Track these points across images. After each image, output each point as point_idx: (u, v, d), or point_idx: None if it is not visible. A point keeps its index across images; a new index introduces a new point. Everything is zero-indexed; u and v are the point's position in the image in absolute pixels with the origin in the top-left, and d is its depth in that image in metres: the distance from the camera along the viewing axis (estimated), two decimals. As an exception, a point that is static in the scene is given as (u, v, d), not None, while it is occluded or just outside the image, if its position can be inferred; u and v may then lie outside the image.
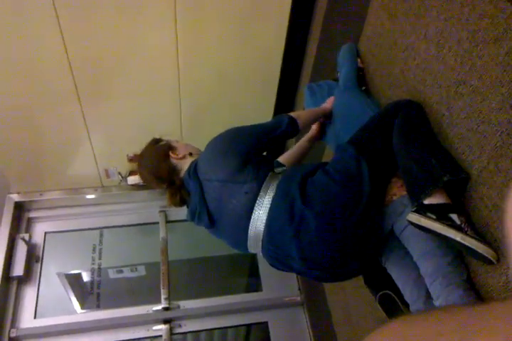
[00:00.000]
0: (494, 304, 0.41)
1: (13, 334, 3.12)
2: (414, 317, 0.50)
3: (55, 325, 3.18)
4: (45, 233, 3.65)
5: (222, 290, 3.60)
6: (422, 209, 1.39)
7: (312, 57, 2.88)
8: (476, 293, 1.38)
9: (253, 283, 3.72)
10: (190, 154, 1.79)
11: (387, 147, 1.57)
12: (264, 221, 1.54)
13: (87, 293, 3.49)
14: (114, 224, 3.78)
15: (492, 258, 1.27)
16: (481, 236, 1.32)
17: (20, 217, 3.67)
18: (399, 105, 1.64)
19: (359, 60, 2.09)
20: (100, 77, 2.90)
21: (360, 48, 2.12)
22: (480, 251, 1.28)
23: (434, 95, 1.55)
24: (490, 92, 1.28)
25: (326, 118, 2.05)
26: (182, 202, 1.74)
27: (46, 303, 3.33)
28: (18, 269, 3.29)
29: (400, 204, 1.53)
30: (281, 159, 1.94)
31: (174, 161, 1.76)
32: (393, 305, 1.71)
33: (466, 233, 1.31)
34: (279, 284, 3.51)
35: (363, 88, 2.06)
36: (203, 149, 1.74)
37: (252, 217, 1.55)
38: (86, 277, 3.59)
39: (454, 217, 1.35)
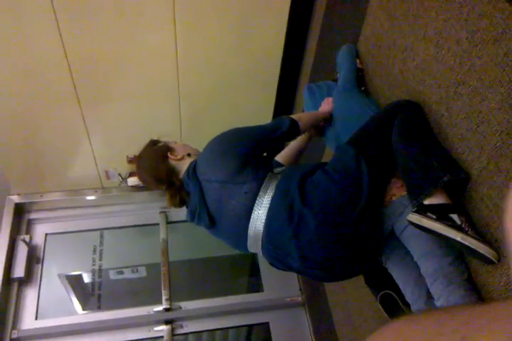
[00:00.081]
0: (495, 304, 0.41)
1: (14, 336, 3.12)
2: (415, 317, 0.50)
3: (56, 326, 3.18)
4: (46, 234, 3.65)
5: (224, 290, 3.59)
6: (422, 210, 1.40)
7: (311, 57, 2.88)
8: (477, 293, 1.38)
9: (254, 284, 3.72)
10: (189, 155, 1.78)
11: (386, 147, 1.57)
12: (263, 220, 1.54)
13: (88, 294, 3.49)
14: (115, 225, 3.78)
15: (493, 258, 1.28)
16: (481, 236, 1.33)
17: (21, 218, 3.66)
18: (398, 105, 1.64)
19: (358, 60, 2.09)
20: (100, 79, 2.90)
21: (359, 49, 2.13)
22: (481, 251, 1.28)
23: (434, 95, 1.55)
24: (489, 92, 1.29)
25: (326, 121, 2.04)
26: (182, 203, 1.74)
27: (47, 304, 3.33)
28: (19, 271, 3.29)
29: (400, 205, 1.53)
30: (278, 157, 1.94)
31: (173, 162, 1.75)
32: (394, 305, 1.71)
33: (466, 233, 1.31)
34: (280, 284, 3.50)
35: (363, 88, 2.06)
36: (201, 150, 1.74)
37: (252, 217, 1.56)
38: (87, 278, 3.58)
39: (455, 217, 1.35)
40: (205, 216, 1.62)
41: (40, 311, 3.27)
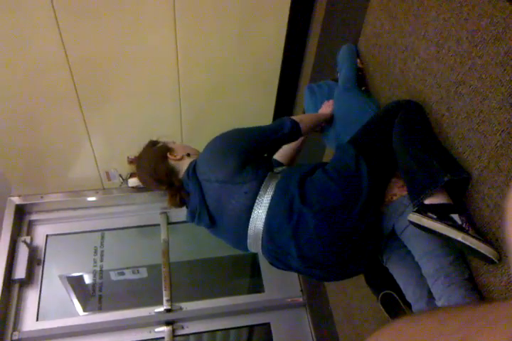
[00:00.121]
0: (496, 304, 0.41)
1: (15, 337, 3.12)
2: (416, 317, 0.50)
3: (57, 328, 3.18)
4: (47, 235, 3.65)
5: (224, 291, 3.59)
6: (423, 209, 1.39)
7: (312, 57, 2.88)
8: (478, 293, 1.38)
9: (255, 284, 3.72)
10: (188, 155, 1.78)
11: (386, 147, 1.57)
12: (263, 220, 1.54)
13: (89, 295, 3.49)
14: (116, 226, 3.78)
15: (494, 258, 1.27)
16: (482, 236, 1.33)
17: (22, 219, 3.67)
18: (399, 105, 1.64)
19: (358, 60, 2.09)
20: (100, 79, 2.90)
21: (359, 48, 2.13)
22: (482, 250, 1.28)
23: (434, 95, 1.55)
24: (490, 92, 1.28)
25: (327, 123, 2.04)
26: (182, 203, 1.74)
27: (48, 306, 3.33)
28: (20, 272, 3.30)
29: (400, 205, 1.53)
30: (276, 156, 1.94)
31: (172, 162, 1.75)
32: (395, 305, 1.71)
33: (467, 233, 1.31)
34: (281, 285, 3.51)
35: (363, 88, 2.06)
36: (201, 150, 1.74)
37: (252, 217, 1.56)
38: (88, 279, 3.59)
39: (455, 217, 1.35)
40: (205, 216, 1.63)
41: (41, 312, 3.27)
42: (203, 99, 3.18)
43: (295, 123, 1.73)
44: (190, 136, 3.33)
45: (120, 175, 3.57)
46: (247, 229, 1.58)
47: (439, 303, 1.39)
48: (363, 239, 1.52)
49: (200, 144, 1.78)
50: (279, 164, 1.91)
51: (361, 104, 1.93)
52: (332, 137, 2.03)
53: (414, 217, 1.40)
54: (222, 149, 1.63)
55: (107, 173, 3.59)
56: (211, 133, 1.71)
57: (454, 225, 1.34)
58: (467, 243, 1.30)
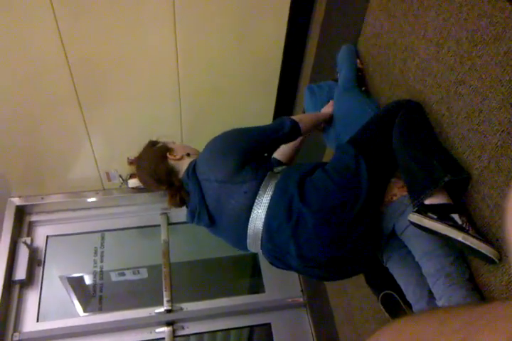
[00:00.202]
0: (496, 303, 0.41)
1: (15, 338, 3.12)
2: (416, 317, 0.50)
3: (58, 329, 3.18)
4: (47, 236, 3.65)
5: (225, 291, 3.59)
6: (423, 210, 1.39)
7: (311, 57, 2.88)
8: (478, 293, 1.38)
9: (255, 285, 3.72)
10: (188, 155, 1.78)
11: (386, 147, 1.57)
12: (262, 219, 1.54)
13: (90, 296, 3.49)
14: (116, 226, 3.79)
15: (494, 258, 1.27)
16: (482, 236, 1.32)
17: (22, 220, 3.67)
18: (399, 105, 1.64)
19: (358, 60, 2.09)
20: (100, 80, 2.91)
21: (359, 49, 2.13)
22: (482, 250, 1.28)
23: (434, 95, 1.55)
24: (490, 92, 1.28)
25: (327, 123, 2.04)
26: (182, 203, 1.74)
27: (49, 307, 3.33)
28: (21, 273, 3.30)
29: (400, 205, 1.53)
30: (276, 155, 1.94)
31: (172, 162, 1.75)
32: (396, 306, 1.71)
33: (467, 233, 1.31)
34: (281, 285, 3.51)
35: (363, 89, 2.06)
36: (201, 150, 1.74)
37: (251, 216, 1.56)
38: (88, 280, 3.59)
39: (456, 217, 1.35)
40: (205, 215, 1.63)
41: (42, 313, 3.27)
42: (203, 99, 3.18)
43: (295, 123, 1.73)
44: (190, 136, 3.33)
45: (120, 176, 3.57)
46: (247, 229, 1.58)
47: (439, 303, 1.39)
48: (363, 239, 1.52)
49: (200, 144, 1.78)
50: (279, 163, 1.91)
51: (361, 105, 1.93)
52: (332, 137, 2.03)
53: (415, 217, 1.40)
54: (222, 149, 1.63)
55: (107, 174, 3.59)
56: (211, 133, 1.71)
57: (454, 225, 1.34)
58: (468, 243, 1.30)
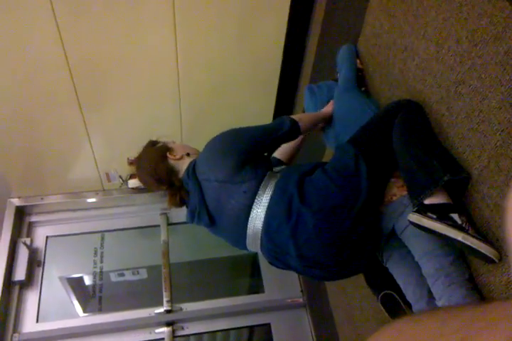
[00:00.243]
0: (496, 304, 0.41)
1: (15, 339, 3.12)
2: (416, 317, 0.50)
3: (58, 329, 3.18)
4: (47, 237, 3.65)
5: (225, 292, 3.60)
6: (423, 209, 1.39)
7: (311, 57, 2.88)
8: (478, 293, 1.38)
9: (255, 285, 3.72)
10: (188, 154, 1.78)
11: (386, 147, 1.57)
12: (262, 219, 1.54)
13: (89, 297, 3.48)
14: (116, 227, 3.79)
15: (494, 258, 1.27)
16: (482, 236, 1.32)
17: (22, 221, 3.67)
18: (399, 105, 1.64)
19: (358, 60, 2.09)
20: (100, 81, 2.90)
21: (359, 49, 2.12)
22: (482, 250, 1.28)
23: (434, 95, 1.55)
24: (490, 91, 1.28)
25: (327, 123, 2.04)
26: (182, 203, 1.74)
27: (48, 307, 3.33)
28: (20, 274, 3.30)
29: (400, 205, 1.53)
30: (276, 154, 1.94)
31: (172, 162, 1.75)
32: (395, 306, 1.71)
33: (467, 232, 1.31)
34: (281, 286, 3.51)
35: (363, 89, 2.06)
36: (201, 150, 1.74)
37: (251, 216, 1.56)
38: (88, 280, 3.58)
39: (455, 216, 1.35)
40: (205, 215, 1.63)
41: (41, 314, 3.28)
42: (203, 99, 3.19)
43: (294, 122, 1.74)
44: (190, 136, 3.33)
45: (120, 176, 3.57)
46: (246, 229, 1.58)
47: (439, 303, 1.39)
48: (362, 239, 1.52)
49: (199, 144, 1.78)
50: (279, 162, 1.91)
51: (361, 105, 1.93)
52: (331, 137, 2.03)
53: (414, 217, 1.40)
54: (222, 149, 1.63)
55: (107, 174, 3.59)
56: (211, 133, 1.71)
57: (454, 225, 1.33)
58: (467, 243, 1.30)
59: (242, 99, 3.25)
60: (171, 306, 3.28)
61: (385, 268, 1.65)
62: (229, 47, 2.89)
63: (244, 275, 4.02)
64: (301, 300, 3.44)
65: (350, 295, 2.54)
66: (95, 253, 3.64)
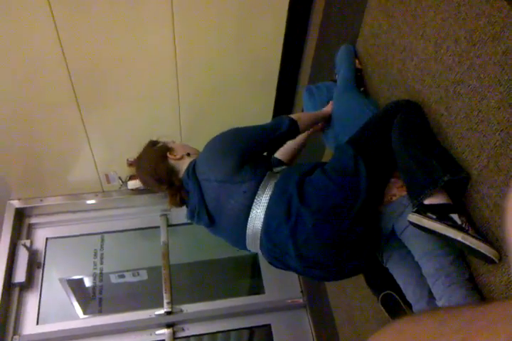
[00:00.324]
0: (496, 304, 0.41)
1: (15, 341, 3.12)
2: (416, 317, 0.50)
3: (58, 331, 3.17)
4: (47, 239, 3.65)
5: (225, 293, 3.59)
6: (423, 210, 1.39)
7: (310, 58, 2.89)
8: (478, 293, 1.38)
9: (255, 286, 3.71)
10: (188, 154, 1.79)
11: (385, 147, 1.57)
12: (261, 219, 1.55)
13: (89, 298, 3.48)
14: (115, 228, 3.78)
15: (494, 258, 1.27)
16: (482, 236, 1.32)
17: (21, 223, 3.66)
18: (398, 105, 1.64)
19: (357, 61, 2.09)
20: (99, 82, 2.90)
21: (357, 49, 2.13)
22: (482, 250, 1.28)
23: (433, 95, 1.55)
24: (488, 91, 1.28)
25: (325, 122, 2.05)
26: (182, 203, 1.74)
27: (48, 309, 3.32)
28: (20, 275, 3.29)
29: (400, 205, 1.53)
30: (277, 154, 1.94)
31: (172, 162, 1.76)
32: (396, 306, 1.71)
33: (467, 233, 1.31)
34: (281, 286, 3.50)
35: (362, 89, 2.06)
36: (201, 150, 1.74)
37: (250, 216, 1.56)
38: (88, 282, 3.58)
39: (455, 217, 1.35)
40: (205, 215, 1.63)
41: (42, 316, 3.27)
42: (202, 100, 3.19)
43: (293, 121, 1.74)
44: (189, 136, 3.33)
45: (120, 178, 3.57)
46: (246, 229, 1.58)
47: (439, 303, 1.39)
48: (362, 239, 1.52)
49: (199, 144, 1.79)
50: (280, 163, 1.92)
51: (360, 105, 1.93)
52: (331, 137, 2.04)
53: (414, 218, 1.40)
54: (221, 149, 1.63)
55: (107, 176, 3.59)
56: (210, 134, 1.71)
57: (453, 225, 1.33)
58: (467, 243, 1.30)
59: (241, 99, 3.26)
60: (172, 308, 3.28)
61: (385, 268, 1.65)
62: (228, 47, 2.89)
63: (244, 276, 4.02)
64: (301, 300, 3.44)
65: (350, 296, 2.53)
66: (95, 254, 3.63)
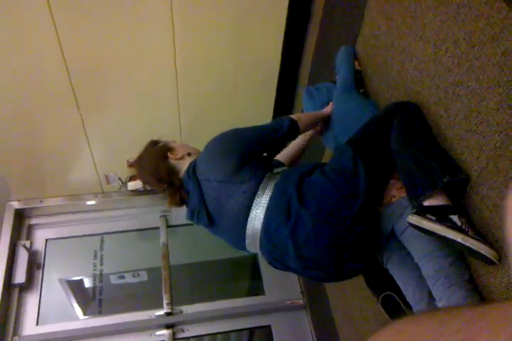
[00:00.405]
0: (496, 304, 0.41)
1: (15, 342, 3.12)
2: (416, 317, 0.50)
3: (58, 332, 3.17)
4: (46, 240, 3.65)
5: (225, 294, 3.59)
6: (422, 211, 1.39)
7: (310, 59, 2.89)
8: (478, 294, 1.38)
9: (255, 287, 3.71)
10: (189, 154, 1.79)
11: (385, 148, 1.57)
12: (261, 220, 1.55)
13: (89, 299, 3.48)
14: (115, 229, 3.78)
15: (494, 259, 1.27)
16: (482, 237, 1.32)
17: (21, 224, 3.66)
18: (397, 107, 1.64)
19: (356, 62, 2.09)
20: (98, 82, 2.90)
21: (357, 50, 2.13)
22: (482, 251, 1.28)
23: (432, 96, 1.55)
24: (487, 93, 1.29)
25: (325, 123, 2.05)
26: (182, 203, 1.75)
27: (48, 310, 3.32)
28: (20, 276, 3.29)
29: (399, 206, 1.53)
30: (279, 157, 1.95)
31: (173, 162, 1.76)
32: (396, 307, 1.71)
33: (467, 234, 1.31)
34: (281, 287, 3.50)
35: (361, 90, 2.06)
36: (201, 150, 1.75)
37: (250, 216, 1.56)
38: (88, 283, 3.58)
39: (455, 218, 1.35)
40: (204, 215, 1.63)
41: (41, 317, 3.27)
42: (202, 100, 3.19)
43: (293, 122, 1.75)
44: (189, 136, 3.33)
45: (119, 179, 3.57)
46: (246, 229, 1.58)
47: (439, 304, 1.39)
48: (362, 239, 1.52)
49: (199, 144, 1.79)
50: (280, 164, 1.92)
51: (359, 106, 1.93)
52: (330, 138, 2.04)
53: (414, 219, 1.40)
54: (222, 149, 1.64)
55: (107, 177, 3.58)
56: (210, 134, 1.71)
57: (453, 226, 1.34)
58: (467, 244, 1.30)
59: (240, 99, 3.26)
60: (171, 308, 3.28)
61: (385, 269, 1.65)
62: (227, 47, 2.89)
63: (244, 277, 4.02)
64: (301, 301, 3.43)
65: (350, 297, 2.53)
66: (95, 255, 3.63)
